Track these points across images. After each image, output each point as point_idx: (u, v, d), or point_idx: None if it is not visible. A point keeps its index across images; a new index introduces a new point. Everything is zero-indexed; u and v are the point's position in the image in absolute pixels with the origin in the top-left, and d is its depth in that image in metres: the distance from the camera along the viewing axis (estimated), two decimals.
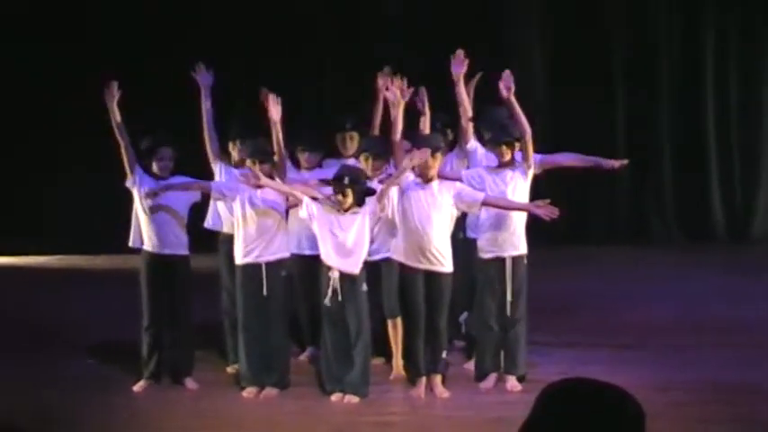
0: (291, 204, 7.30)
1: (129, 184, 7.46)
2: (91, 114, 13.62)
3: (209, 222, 8.01)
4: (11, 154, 14.36)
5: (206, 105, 7.77)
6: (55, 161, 14.15)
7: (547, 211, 6.96)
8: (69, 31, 13.99)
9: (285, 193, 7.26)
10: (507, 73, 7.13)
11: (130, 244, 7.70)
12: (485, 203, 7.13)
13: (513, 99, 7.12)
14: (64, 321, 9.76)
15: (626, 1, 14.71)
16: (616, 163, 7.71)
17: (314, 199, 7.19)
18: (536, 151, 7.38)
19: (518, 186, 7.24)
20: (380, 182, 7.31)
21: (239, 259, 7.33)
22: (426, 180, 7.15)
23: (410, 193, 7.14)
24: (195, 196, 7.58)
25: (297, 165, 8.04)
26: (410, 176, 7.13)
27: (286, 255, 7.38)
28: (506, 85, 7.11)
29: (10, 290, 11.93)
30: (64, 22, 14.04)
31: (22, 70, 14.11)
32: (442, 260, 7.16)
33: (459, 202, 7.15)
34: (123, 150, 7.42)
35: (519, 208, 7.22)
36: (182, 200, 7.51)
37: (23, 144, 14.32)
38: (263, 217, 7.26)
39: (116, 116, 7.39)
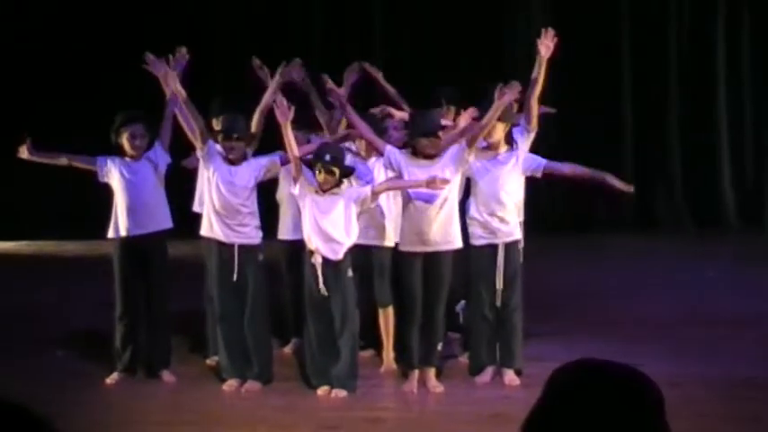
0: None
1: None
2: (65, 94, 13.97)
3: (197, 206, 7.91)
4: None
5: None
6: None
7: None
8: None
9: (292, 154, 7.08)
10: (551, 32, 7.09)
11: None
12: (470, 140, 7.03)
13: (545, 62, 7.12)
14: (32, 310, 9.70)
15: None
16: (623, 186, 7.66)
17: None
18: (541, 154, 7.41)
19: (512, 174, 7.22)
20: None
21: (208, 233, 7.25)
22: (425, 158, 7.09)
23: (411, 171, 7.06)
24: (162, 162, 7.46)
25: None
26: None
27: (259, 241, 7.30)
28: (546, 44, 7.09)
29: None
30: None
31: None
32: (446, 238, 7.08)
33: (457, 164, 7.06)
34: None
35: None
36: (151, 177, 7.43)
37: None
38: (234, 197, 7.19)
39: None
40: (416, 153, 7.11)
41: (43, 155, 7.53)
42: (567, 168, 7.75)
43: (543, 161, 7.42)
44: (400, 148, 7.30)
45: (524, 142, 7.33)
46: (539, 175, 7.49)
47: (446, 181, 6.86)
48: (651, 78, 14.54)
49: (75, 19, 14.28)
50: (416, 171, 7.04)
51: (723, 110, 14.56)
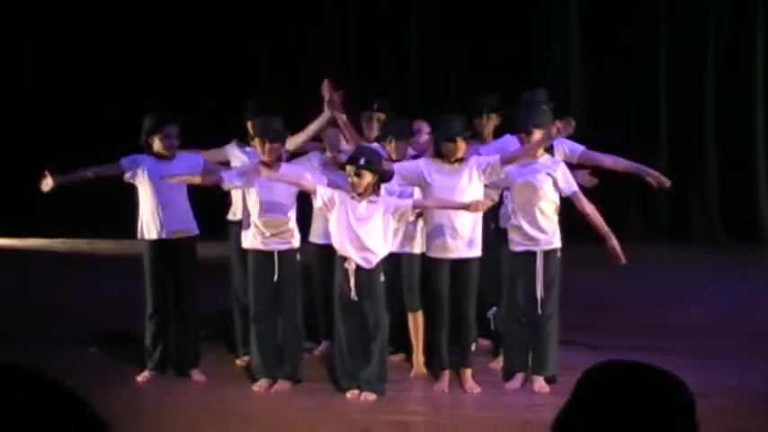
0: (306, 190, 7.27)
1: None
2: (95, 98, 14.11)
3: (231, 215, 7.96)
4: (16, 135, 14.55)
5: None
6: (60, 143, 14.29)
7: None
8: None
9: (293, 184, 7.20)
10: (571, 124, 7.04)
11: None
12: (505, 161, 7.10)
13: (547, 140, 7.14)
14: (65, 307, 9.78)
15: None
16: (661, 179, 7.66)
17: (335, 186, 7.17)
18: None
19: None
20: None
21: (248, 244, 7.32)
22: (451, 163, 7.13)
23: (434, 177, 7.10)
24: (197, 166, 7.50)
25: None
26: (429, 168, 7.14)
27: (297, 244, 7.35)
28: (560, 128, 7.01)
29: (10, 273, 11.97)
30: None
31: (26, 52, 14.37)
32: (471, 246, 7.14)
33: (481, 174, 7.11)
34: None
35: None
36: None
37: (28, 126, 14.51)
38: (275, 205, 7.23)
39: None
40: (441, 157, 7.16)
41: (67, 178, 7.54)
42: (608, 160, 7.73)
43: (581, 147, 7.44)
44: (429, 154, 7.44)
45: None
46: (573, 161, 7.48)
47: (486, 203, 6.91)
48: (687, 90, 14.45)
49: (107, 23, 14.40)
50: (439, 177, 7.10)
51: (760, 122, 14.45)
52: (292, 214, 7.31)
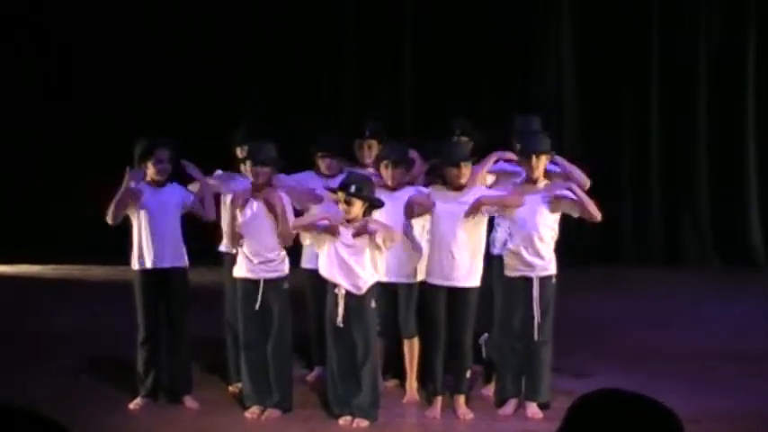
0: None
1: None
2: (89, 122, 14.13)
3: (223, 247, 7.94)
4: (8, 162, 14.56)
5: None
6: (52, 169, 14.33)
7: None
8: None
9: (286, 226, 7.19)
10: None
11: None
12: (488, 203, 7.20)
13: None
14: (56, 333, 9.75)
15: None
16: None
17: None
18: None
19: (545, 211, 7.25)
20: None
21: (237, 273, 7.33)
22: (454, 190, 7.16)
23: (438, 205, 7.13)
24: (186, 202, 7.53)
25: (317, 171, 8.09)
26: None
27: (285, 273, 7.34)
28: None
29: (0, 299, 11.95)
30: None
31: (19, 78, 14.42)
32: (470, 275, 7.16)
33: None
34: None
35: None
36: (175, 209, 7.50)
37: (19, 151, 14.52)
38: (260, 233, 7.23)
39: None
40: (445, 183, 7.18)
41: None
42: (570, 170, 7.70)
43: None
44: (424, 184, 7.46)
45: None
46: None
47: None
48: (679, 112, 14.48)
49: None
50: (443, 205, 7.11)
51: (751, 146, 14.46)
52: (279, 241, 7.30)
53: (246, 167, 7.33)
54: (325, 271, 7.07)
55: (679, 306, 11.33)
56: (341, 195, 6.95)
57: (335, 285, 7.02)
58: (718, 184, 14.45)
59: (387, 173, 7.49)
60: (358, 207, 6.94)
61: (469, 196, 7.13)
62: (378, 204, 7.06)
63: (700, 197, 14.54)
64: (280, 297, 7.27)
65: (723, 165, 14.46)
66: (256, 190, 7.21)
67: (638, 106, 14.53)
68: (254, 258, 7.22)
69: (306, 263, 8.02)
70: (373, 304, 7.05)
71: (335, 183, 7.48)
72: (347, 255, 6.96)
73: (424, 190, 7.40)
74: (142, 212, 7.43)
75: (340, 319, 6.99)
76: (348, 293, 6.98)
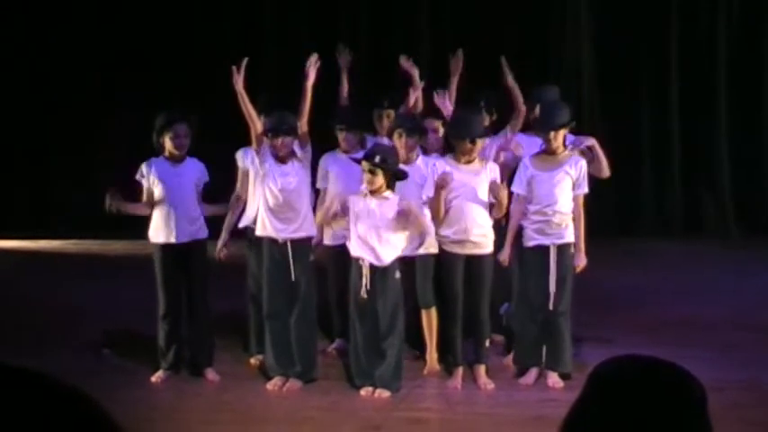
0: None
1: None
2: (110, 98, 14.18)
3: (243, 223, 7.94)
4: (28, 136, 14.64)
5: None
6: (72, 144, 14.39)
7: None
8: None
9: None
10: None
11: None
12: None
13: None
14: (78, 308, 9.82)
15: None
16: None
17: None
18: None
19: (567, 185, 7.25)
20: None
21: (260, 231, 7.33)
22: (466, 162, 7.18)
23: (454, 177, 7.15)
24: (199, 183, 7.55)
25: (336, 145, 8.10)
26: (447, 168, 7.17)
27: (312, 234, 7.38)
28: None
29: (22, 275, 12.03)
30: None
31: (30, 55, 14.47)
32: (485, 242, 7.21)
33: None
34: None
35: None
36: (192, 184, 7.53)
37: (40, 127, 14.58)
38: (290, 192, 7.25)
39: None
40: (456, 155, 7.21)
41: (127, 208, 7.49)
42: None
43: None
44: (439, 152, 7.49)
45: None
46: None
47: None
48: (699, 83, 14.42)
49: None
50: (458, 175, 7.14)
51: None
52: (306, 203, 7.34)
53: (267, 137, 7.28)
54: (350, 243, 7.11)
55: (699, 277, 11.33)
56: (365, 165, 6.97)
57: (359, 258, 7.05)
58: (739, 155, 14.39)
59: (400, 141, 7.50)
60: (381, 177, 6.96)
61: (483, 172, 7.18)
62: (401, 176, 7.08)
63: (720, 168, 14.49)
64: (306, 266, 7.30)
65: (744, 135, 14.39)
66: (281, 162, 7.22)
67: (658, 81, 14.46)
68: (282, 215, 7.24)
69: (328, 239, 8.03)
70: (397, 275, 7.08)
71: (353, 156, 7.53)
72: (370, 225, 6.99)
73: (436, 161, 7.36)
74: (160, 187, 7.46)
75: (364, 291, 7.03)
76: (372, 266, 7.01)
